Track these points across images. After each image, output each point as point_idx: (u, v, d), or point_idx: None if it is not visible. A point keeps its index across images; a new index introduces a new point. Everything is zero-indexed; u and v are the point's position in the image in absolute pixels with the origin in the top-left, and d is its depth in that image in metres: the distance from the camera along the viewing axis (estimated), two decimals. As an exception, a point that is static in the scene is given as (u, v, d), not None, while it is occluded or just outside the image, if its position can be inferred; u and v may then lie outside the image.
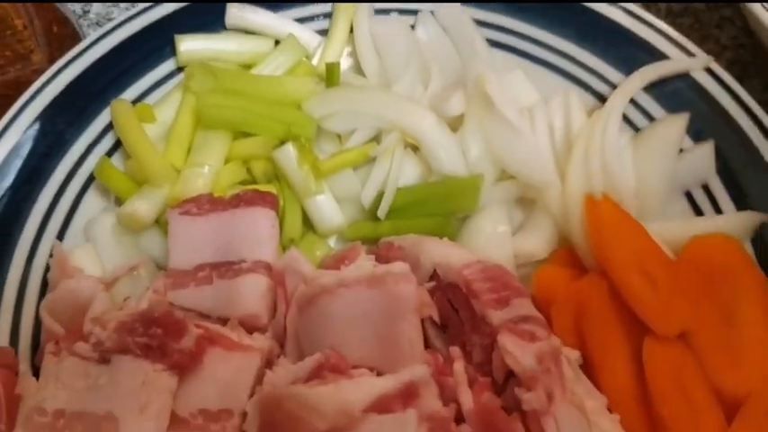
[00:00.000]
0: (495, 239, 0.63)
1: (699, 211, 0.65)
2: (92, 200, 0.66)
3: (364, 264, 0.53)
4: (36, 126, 0.65)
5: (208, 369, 0.50)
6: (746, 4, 0.66)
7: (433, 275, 0.57)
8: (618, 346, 0.57)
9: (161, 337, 0.49)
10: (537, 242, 0.64)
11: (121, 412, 0.47)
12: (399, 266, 0.50)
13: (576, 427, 0.47)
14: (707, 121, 0.66)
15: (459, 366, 0.50)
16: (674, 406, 0.54)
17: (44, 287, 0.62)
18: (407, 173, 0.66)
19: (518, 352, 0.49)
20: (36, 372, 0.54)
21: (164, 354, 0.48)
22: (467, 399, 0.47)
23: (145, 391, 0.47)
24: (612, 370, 0.56)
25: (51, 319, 0.57)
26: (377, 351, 0.49)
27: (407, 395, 0.43)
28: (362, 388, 0.43)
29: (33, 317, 0.61)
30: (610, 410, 0.55)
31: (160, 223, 0.64)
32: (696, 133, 0.66)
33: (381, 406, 0.43)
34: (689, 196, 0.66)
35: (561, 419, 0.46)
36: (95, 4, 0.84)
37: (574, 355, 0.56)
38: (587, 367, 0.57)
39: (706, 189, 0.66)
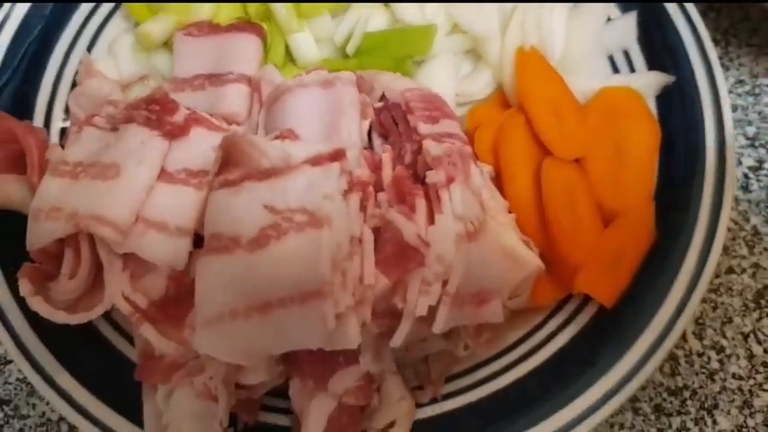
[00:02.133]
0: (443, 80, 0.76)
1: (617, 72, 0.78)
2: (116, 23, 0.80)
3: (321, 72, 0.66)
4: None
5: (193, 141, 0.64)
6: None
7: (382, 98, 0.70)
8: (524, 165, 0.70)
9: (158, 112, 0.63)
10: (476, 84, 0.77)
11: (123, 162, 0.61)
12: (347, 74, 0.64)
13: (468, 206, 0.61)
14: (634, -3, 0.78)
15: (386, 156, 0.63)
16: (562, 213, 0.67)
17: (73, 87, 0.77)
18: (376, 21, 0.78)
19: (434, 149, 0.62)
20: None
21: (160, 124, 0.63)
22: (387, 173, 0.61)
23: (142, 149, 0.62)
24: (516, 183, 0.69)
25: (77, 107, 0.72)
26: (323, 137, 0.63)
27: (336, 156, 0.57)
28: (303, 147, 0.58)
29: (63, 109, 0.76)
30: (510, 212, 0.69)
31: (168, 46, 0.78)
32: (625, 7, 0.78)
33: (314, 161, 0.57)
34: (611, 60, 0.78)
35: (455, 196, 0.60)
36: None
37: (486, 168, 0.70)
38: (497, 182, 0.71)
39: (626, 54, 0.78)
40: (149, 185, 0.61)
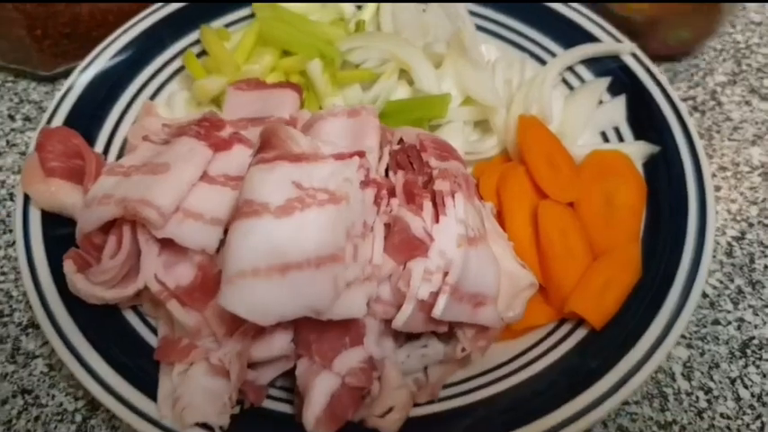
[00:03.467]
0: (454, 140, 0.86)
1: (607, 142, 0.88)
2: (175, 82, 0.94)
3: (354, 94, 0.78)
4: (149, 33, 0.93)
5: (234, 154, 0.74)
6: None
7: (400, 142, 0.80)
8: (522, 205, 0.78)
9: (208, 128, 0.74)
10: (484, 145, 0.87)
11: (173, 162, 0.71)
12: (370, 106, 0.75)
13: (470, 215, 0.69)
14: (623, 84, 0.90)
15: (400, 173, 0.72)
16: (557, 245, 0.75)
17: (133, 127, 0.88)
18: (399, 93, 0.91)
19: (442, 177, 0.71)
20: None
21: (208, 136, 0.73)
22: (399, 182, 0.70)
23: (190, 153, 0.72)
24: (515, 219, 0.77)
25: (134, 138, 0.83)
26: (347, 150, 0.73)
27: (357, 155, 0.66)
28: (330, 146, 0.67)
29: (122, 140, 0.87)
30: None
31: (217, 102, 0.90)
32: (614, 92, 0.90)
33: (338, 156, 0.66)
34: (603, 135, 0.89)
35: (458, 203, 0.68)
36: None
37: (489, 205, 0.78)
38: (498, 220, 0.78)
39: (616, 130, 0.88)
40: (192, 182, 0.70)
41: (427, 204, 0.67)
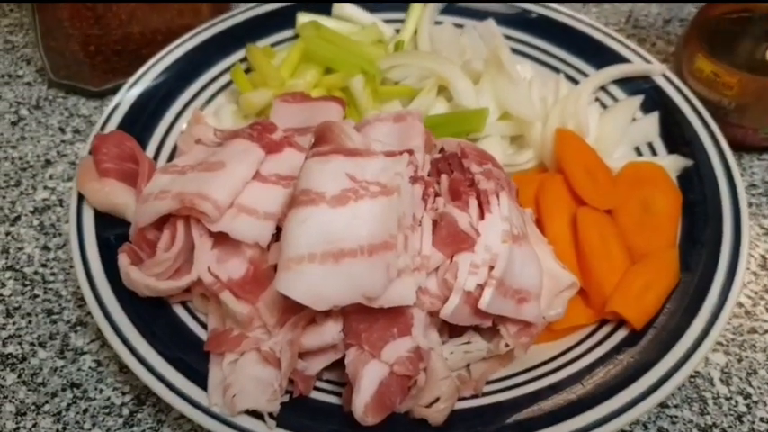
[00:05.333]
0: (492, 153, 0.89)
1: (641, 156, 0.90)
2: (222, 98, 0.97)
3: (394, 109, 0.81)
4: (196, 51, 0.98)
5: (285, 156, 0.76)
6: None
7: (441, 151, 0.83)
8: (561, 212, 0.80)
9: (260, 131, 0.77)
10: (521, 158, 0.90)
11: (228, 160, 0.74)
12: (416, 111, 0.78)
13: (514, 214, 0.71)
14: (655, 103, 0.93)
15: (443, 177, 0.75)
16: (597, 249, 0.77)
17: (181, 136, 0.92)
18: (437, 109, 0.94)
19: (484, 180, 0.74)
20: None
21: (261, 138, 0.76)
22: (444, 182, 0.72)
23: (244, 153, 0.75)
24: (554, 225, 0.79)
25: (184, 144, 0.86)
26: (394, 155, 0.76)
27: (407, 152, 0.69)
28: (381, 144, 0.70)
29: (170, 149, 0.90)
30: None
31: (263, 115, 0.93)
32: (647, 110, 0.93)
33: (389, 154, 0.69)
34: (637, 150, 0.91)
35: (503, 202, 0.70)
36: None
37: (529, 211, 0.80)
38: (538, 227, 0.81)
39: (650, 146, 0.91)
40: (246, 180, 0.73)
41: (473, 202, 0.70)
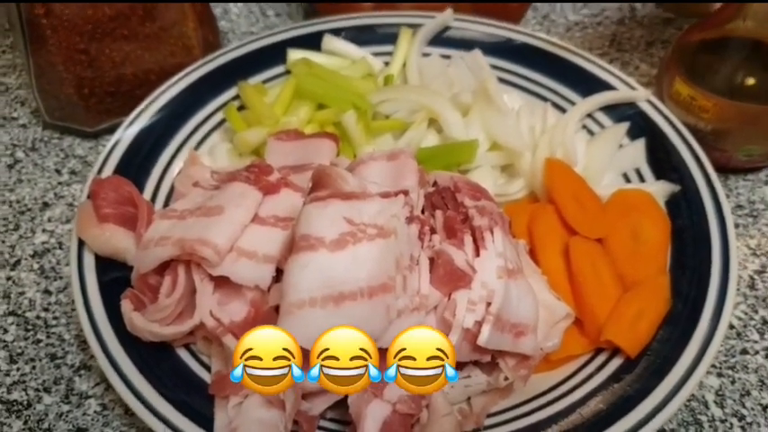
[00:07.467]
0: (484, 184, 0.91)
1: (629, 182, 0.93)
2: (216, 136, 0.99)
3: (386, 142, 0.83)
4: (190, 90, 0.99)
5: (282, 197, 0.78)
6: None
7: (434, 185, 0.85)
8: (553, 242, 0.82)
9: (257, 173, 0.79)
10: (512, 188, 0.91)
11: (226, 204, 0.75)
12: (409, 149, 0.80)
13: (508, 249, 0.73)
14: (641, 129, 0.95)
15: (438, 213, 0.77)
16: (589, 279, 0.78)
17: (178, 177, 0.93)
18: (428, 141, 0.96)
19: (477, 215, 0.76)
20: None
21: (257, 181, 0.78)
22: (439, 219, 0.74)
23: (242, 197, 0.76)
24: (547, 255, 0.81)
25: (181, 185, 0.88)
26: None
27: (402, 193, 0.71)
28: (376, 186, 0.72)
29: (167, 189, 0.91)
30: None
31: (257, 153, 0.95)
32: (633, 136, 0.95)
33: (384, 195, 0.70)
34: (625, 177, 0.94)
35: (497, 238, 0.72)
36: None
37: (522, 242, 0.82)
38: (530, 257, 0.82)
39: (638, 172, 0.93)
40: (245, 223, 0.74)
41: (468, 239, 0.71)
